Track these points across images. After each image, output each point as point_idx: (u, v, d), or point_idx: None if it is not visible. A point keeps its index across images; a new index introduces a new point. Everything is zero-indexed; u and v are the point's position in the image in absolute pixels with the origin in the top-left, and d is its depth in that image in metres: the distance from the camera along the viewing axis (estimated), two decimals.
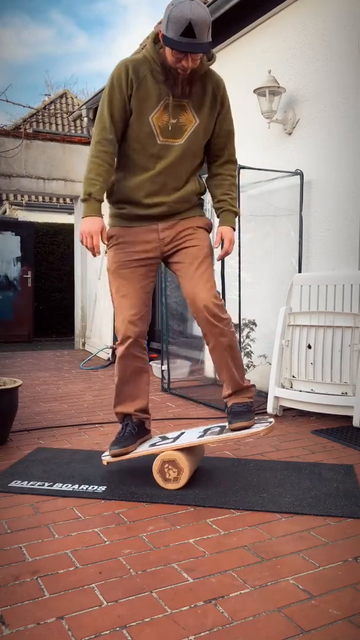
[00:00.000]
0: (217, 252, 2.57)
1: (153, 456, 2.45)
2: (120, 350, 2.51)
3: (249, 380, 2.60)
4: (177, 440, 2.48)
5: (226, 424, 2.52)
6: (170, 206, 2.45)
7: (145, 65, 2.31)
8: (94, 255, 2.34)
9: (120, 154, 2.45)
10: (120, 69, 2.32)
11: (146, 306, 2.51)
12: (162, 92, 2.31)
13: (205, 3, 4.83)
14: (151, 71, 2.31)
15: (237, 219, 2.59)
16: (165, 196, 2.44)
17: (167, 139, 2.37)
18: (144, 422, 2.61)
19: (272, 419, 2.51)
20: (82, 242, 2.34)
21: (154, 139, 2.36)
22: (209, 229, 2.59)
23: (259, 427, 2.41)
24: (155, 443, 2.53)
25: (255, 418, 2.51)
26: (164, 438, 2.60)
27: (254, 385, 2.60)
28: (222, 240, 2.53)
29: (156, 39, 2.31)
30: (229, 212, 2.54)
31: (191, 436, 2.51)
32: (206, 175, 2.62)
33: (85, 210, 2.37)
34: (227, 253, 2.52)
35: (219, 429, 2.55)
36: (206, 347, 5.17)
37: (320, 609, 1.52)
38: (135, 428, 2.56)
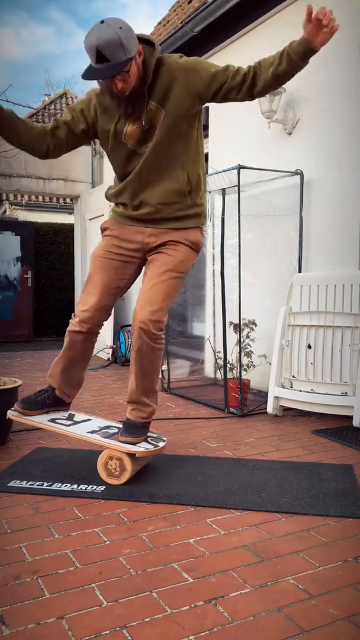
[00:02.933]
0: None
1: (158, 455, 2.46)
2: (75, 333, 2.57)
3: (152, 400, 2.60)
4: (71, 427, 2.54)
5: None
6: (155, 207, 2.45)
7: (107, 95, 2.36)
8: None
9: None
10: (90, 94, 2.42)
11: (111, 300, 2.57)
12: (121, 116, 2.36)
13: (205, 3, 4.83)
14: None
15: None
16: (149, 193, 2.44)
17: (145, 145, 2.38)
18: (64, 397, 2.71)
19: (163, 443, 2.55)
20: None
21: (135, 153, 2.40)
22: (196, 247, 2.56)
23: (140, 448, 2.44)
24: (56, 419, 2.60)
25: (151, 437, 2.58)
26: (69, 418, 2.66)
27: (153, 407, 2.60)
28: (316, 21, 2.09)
29: None
30: (294, 41, 2.20)
31: (85, 428, 2.57)
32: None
33: None
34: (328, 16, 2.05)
35: (115, 430, 2.59)
36: (207, 347, 5.19)
37: (320, 609, 1.52)
38: (50, 399, 2.66)
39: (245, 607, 1.53)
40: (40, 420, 2.56)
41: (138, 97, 2.28)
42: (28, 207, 12.79)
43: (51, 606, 1.53)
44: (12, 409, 2.61)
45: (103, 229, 2.63)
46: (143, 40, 2.27)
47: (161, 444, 2.52)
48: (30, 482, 2.46)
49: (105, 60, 2.08)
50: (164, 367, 4.67)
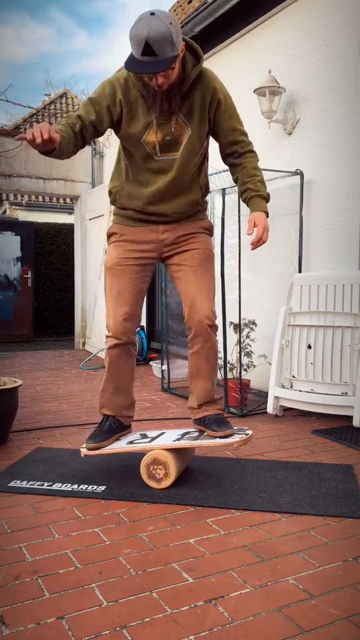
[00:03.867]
0: (250, 238, 2.55)
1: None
2: (113, 349, 2.52)
3: (217, 392, 2.64)
4: (154, 441, 2.49)
5: (204, 430, 2.55)
6: (171, 216, 2.47)
7: (135, 86, 2.28)
8: (32, 136, 2.02)
9: (120, 166, 2.49)
10: (114, 85, 2.29)
11: (139, 305, 2.54)
12: (149, 112, 2.30)
13: (205, 3, 4.83)
14: (140, 92, 2.28)
15: (267, 202, 2.46)
16: (166, 205, 2.45)
17: (165, 153, 2.36)
18: (124, 420, 2.63)
19: (250, 431, 2.53)
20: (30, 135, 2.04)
21: (151, 157, 2.37)
22: (210, 232, 2.60)
23: (235, 438, 2.43)
24: (134, 441, 2.54)
25: (235, 428, 2.56)
26: (144, 436, 2.61)
27: (222, 398, 2.64)
28: (255, 227, 2.41)
29: None
30: (255, 197, 2.43)
31: (169, 438, 2.52)
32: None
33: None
34: (261, 241, 2.40)
35: (197, 434, 2.56)
36: None
37: (320, 609, 1.52)
38: (116, 423, 2.58)
39: (245, 607, 1.53)
40: (119, 446, 2.49)
41: (174, 94, 2.24)
42: (28, 207, 12.79)
43: (51, 606, 1.53)
44: (84, 447, 2.51)
45: (110, 234, 2.55)
46: (189, 46, 2.29)
47: (249, 432, 2.51)
48: (30, 482, 2.46)
49: (152, 53, 2.04)
50: (164, 367, 4.67)
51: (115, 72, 2.36)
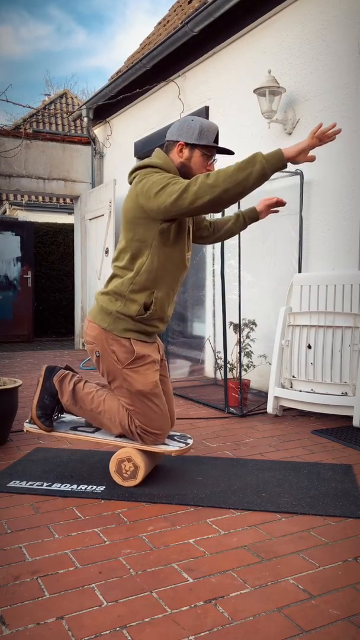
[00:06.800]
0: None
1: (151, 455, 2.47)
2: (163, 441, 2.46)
3: None
4: (96, 433, 2.51)
5: None
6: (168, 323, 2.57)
7: None
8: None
9: (154, 269, 2.33)
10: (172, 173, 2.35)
11: None
12: None
13: (205, 3, 4.83)
14: None
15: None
16: (171, 308, 2.51)
17: (188, 252, 2.50)
18: None
19: (190, 440, 2.54)
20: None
21: (183, 254, 2.43)
22: None
23: (175, 447, 2.43)
24: (77, 427, 2.58)
25: (178, 434, 2.65)
26: (89, 425, 2.62)
27: None
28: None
29: (166, 150, 2.40)
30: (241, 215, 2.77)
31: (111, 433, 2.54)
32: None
33: (274, 158, 2.14)
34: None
35: None
36: (207, 347, 5.18)
37: (320, 609, 1.52)
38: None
39: (245, 607, 1.53)
40: (63, 430, 2.52)
41: None
42: (28, 207, 12.80)
43: (51, 606, 1.53)
44: (31, 424, 2.54)
45: (138, 358, 2.34)
46: None
47: (190, 441, 2.52)
48: (30, 482, 2.46)
49: (217, 141, 2.41)
50: None
51: (158, 162, 2.33)
